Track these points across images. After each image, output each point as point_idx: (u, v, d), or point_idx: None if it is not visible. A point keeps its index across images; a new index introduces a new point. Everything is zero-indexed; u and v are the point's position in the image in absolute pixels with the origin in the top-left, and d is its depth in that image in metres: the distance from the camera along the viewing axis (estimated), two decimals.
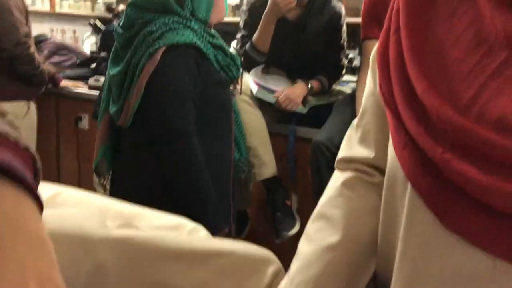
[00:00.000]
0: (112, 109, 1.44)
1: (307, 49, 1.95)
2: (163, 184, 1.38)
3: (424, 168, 0.40)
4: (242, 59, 1.81)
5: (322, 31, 1.92)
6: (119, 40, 1.41)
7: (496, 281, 0.37)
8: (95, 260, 0.42)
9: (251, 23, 1.93)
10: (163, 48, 1.30)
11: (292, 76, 2.02)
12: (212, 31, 1.43)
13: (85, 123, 2.63)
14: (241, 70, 1.56)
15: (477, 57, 0.37)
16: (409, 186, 0.41)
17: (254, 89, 1.88)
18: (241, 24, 2.03)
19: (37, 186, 0.33)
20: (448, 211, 0.39)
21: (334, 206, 0.56)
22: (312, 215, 0.59)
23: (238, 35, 2.04)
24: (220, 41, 1.44)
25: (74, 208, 0.51)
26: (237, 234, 1.74)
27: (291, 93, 1.89)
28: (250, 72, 1.96)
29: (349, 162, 0.58)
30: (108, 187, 1.58)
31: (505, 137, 0.34)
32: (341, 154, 0.60)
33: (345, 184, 0.57)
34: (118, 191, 1.49)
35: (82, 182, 2.65)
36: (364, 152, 0.55)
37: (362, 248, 0.52)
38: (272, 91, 1.91)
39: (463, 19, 0.39)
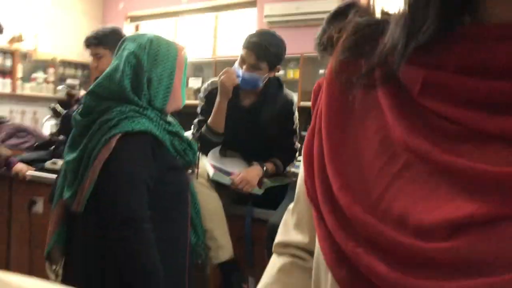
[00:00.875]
0: (67, 194, 1.44)
1: (262, 133, 2.04)
2: (114, 273, 1.35)
3: (340, 260, 0.43)
4: (199, 142, 1.88)
5: (276, 117, 2.03)
6: (77, 126, 1.44)
7: None
8: None
9: (208, 109, 2.03)
10: (118, 135, 1.33)
11: (248, 159, 2.09)
12: (169, 118, 1.49)
13: (39, 207, 2.58)
14: (197, 154, 1.61)
15: (384, 159, 0.42)
16: (329, 273, 0.45)
17: (211, 172, 1.93)
18: (199, 110, 2.12)
19: None
20: None
21: None
22: None
23: (195, 120, 2.12)
24: (177, 128, 1.50)
25: None
26: None
27: (247, 175, 1.94)
28: (208, 155, 2.01)
29: (285, 246, 0.61)
30: (60, 273, 1.54)
31: (405, 235, 0.37)
32: (278, 238, 0.63)
33: (281, 270, 0.60)
34: (70, 278, 1.46)
35: (34, 268, 2.54)
36: (298, 237, 0.59)
37: None
38: (228, 173, 1.96)
39: (373, 124, 0.44)
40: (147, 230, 1.33)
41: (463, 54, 0.38)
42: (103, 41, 2.39)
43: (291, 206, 0.62)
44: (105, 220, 1.33)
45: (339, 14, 1.63)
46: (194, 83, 5.68)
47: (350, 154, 0.45)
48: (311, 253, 0.57)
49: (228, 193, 1.98)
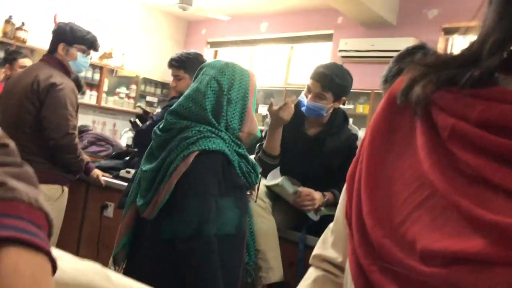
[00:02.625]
0: (140, 201, 1.56)
1: (324, 164, 2.09)
2: (176, 283, 1.44)
3: (360, 272, 0.50)
4: (260, 166, 1.97)
5: (340, 149, 2.08)
6: (156, 140, 1.57)
7: None
8: None
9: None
10: (196, 153, 1.45)
11: (307, 187, 2.15)
12: (239, 141, 1.58)
13: (110, 211, 2.77)
14: (259, 177, 1.70)
15: (411, 190, 0.49)
16: (353, 284, 0.52)
17: (279, 178, 1.99)
18: (263, 134, 2.22)
19: (48, 244, 0.43)
20: None
21: None
22: None
23: (258, 144, 2.22)
24: (245, 151, 1.59)
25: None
26: None
27: (313, 193, 2.00)
28: (268, 175, 2.09)
29: (321, 260, 0.67)
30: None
31: (412, 259, 0.44)
32: (316, 251, 0.70)
33: (315, 281, 0.66)
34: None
35: None
36: (334, 254, 0.65)
37: None
38: (293, 187, 2.02)
39: (408, 159, 0.51)
40: (213, 244, 1.42)
41: (484, 110, 0.45)
42: (185, 65, 2.58)
43: (331, 225, 0.69)
44: (175, 230, 1.43)
45: (407, 54, 1.68)
46: (264, 110, 5.86)
47: (384, 183, 0.52)
48: (342, 270, 0.64)
49: (283, 217, 2.04)
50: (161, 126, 1.59)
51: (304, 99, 2.05)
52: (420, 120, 0.51)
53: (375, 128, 0.56)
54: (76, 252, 2.93)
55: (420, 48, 1.62)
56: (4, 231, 0.40)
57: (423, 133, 0.50)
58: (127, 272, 1.62)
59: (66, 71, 2.54)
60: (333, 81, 1.99)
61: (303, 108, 2.05)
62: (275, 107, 1.97)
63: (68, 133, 2.41)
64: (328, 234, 0.69)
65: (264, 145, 2.09)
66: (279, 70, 6.35)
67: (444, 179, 0.45)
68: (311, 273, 0.69)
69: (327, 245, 0.68)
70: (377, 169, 0.53)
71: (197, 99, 1.53)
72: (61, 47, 2.52)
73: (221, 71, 1.57)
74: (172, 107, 1.58)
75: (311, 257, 0.71)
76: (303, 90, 2.13)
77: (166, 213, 1.48)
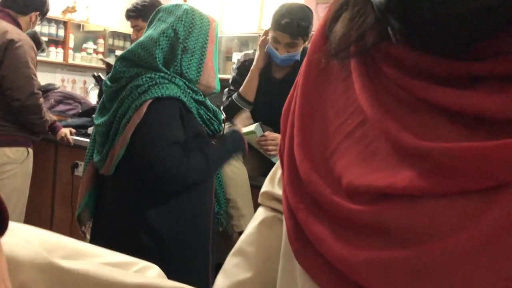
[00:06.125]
0: (96, 157, 1.50)
1: None
2: (145, 233, 1.42)
3: (289, 213, 0.46)
4: (225, 112, 1.93)
5: None
6: (107, 91, 1.49)
7: None
8: (20, 280, 0.47)
9: (239, 80, 2.05)
10: (149, 101, 1.37)
11: (278, 133, 2.11)
12: (195, 88, 1.51)
13: (81, 170, 2.70)
14: (223, 124, 1.64)
15: (343, 117, 0.43)
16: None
17: (252, 126, 1.97)
18: (230, 81, 2.16)
19: None
20: (301, 251, 0.44)
21: (251, 243, 0.62)
22: (232, 249, 0.64)
23: (226, 90, 2.16)
24: (203, 98, 1.52)
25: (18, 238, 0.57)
26: None
27: (278, 137, 1.97)
28: (237, 118, 2.04)
29: (269, 198, 0.63)
30: (88, 235, 1.62)
31: (338, 195, 0.39)
32: (264, 188, 0.65)
33: (263, 222, 0.62)
34: (98, 239, 1.54)
35: (74, 229, 2.69)
36: (281, 192, 0.60)
37: (272, 285, 0.57)
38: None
39: (341, 86, 0.46)
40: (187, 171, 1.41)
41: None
42: (142, 13, 2.45)
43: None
44: (141, 182, 1.40)
45: None
46: (237, 57, 5.71)
47: (318, 111, 0.47)
48: None
49: (255, 164, 2.01)
50: (110, 75, 1.50)
51: (274, 51, 1.98)
52: (354, 55, 0.46)
53: (311, 58, 0.51)
54: (51, 213, 2.89)
55: None
56: None
57: (357, 64, 0.44)
58: (94, 232, 1.59)
59: (20, 26, 2.40)
60: (300, 26, 1.93)
61: (276, 60, 2.00)
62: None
63: (33, 92, 2.31)
64: (276, 169, 0.64)
65: (241, 89, 2.05)
66: (253, 15, 6.16)
67: (374, 104, 0.39)
68: (259, 213, 0.65)
69: (274, 182, 0.63)
70: (311, 98, 0.48)
71: (148, 46, 1.44)
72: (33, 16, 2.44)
73: (178, 18, 1.46)
74: (122, 53, 1.49)
75: (259, 195, 0.66)
76: None
77: (126, 166, 1.42)
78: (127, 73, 1.44)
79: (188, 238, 1.47)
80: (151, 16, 1.56)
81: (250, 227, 0.64)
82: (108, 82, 1.49)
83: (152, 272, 0.70)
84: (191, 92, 1.47)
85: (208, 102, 1.55)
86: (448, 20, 0.33)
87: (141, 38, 1.48)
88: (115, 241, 1.45)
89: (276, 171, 0.64)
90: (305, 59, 0.52)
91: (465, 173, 0.33)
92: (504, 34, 0.34)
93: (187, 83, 1.47)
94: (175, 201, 1.45)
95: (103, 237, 1.51)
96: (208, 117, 1.53)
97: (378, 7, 0.37)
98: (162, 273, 0.73)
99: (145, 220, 1.42)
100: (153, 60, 1.42)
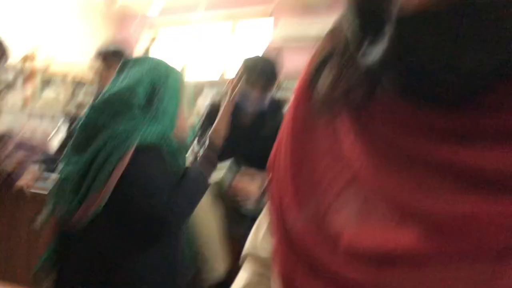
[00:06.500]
0: (62, 210, 1.40)
1: (263, 147, 2.02)
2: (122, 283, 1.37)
3: (282, 279, 0.42)
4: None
5: (276, 134, 2.03)
6: (76, 140, 1.43)
7: None
8: None
9: (206, 124, 2.08)
10: (132, 149, 1.33)
11: (254, 168, 2.09)
12: (170, 137, 1.47)
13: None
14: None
15: (333, 173, 0.41)
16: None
17: (221, 172, 1.94)
18: (198, 126, 2.17)
19: None
20: None
21: None
22: None
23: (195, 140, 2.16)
24: (176, 147, 1.48)
25: None
26: None
27: (247, 187, 1.95)
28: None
29: (252, 261, 0.58)
30: None
31: (335, 259, 0.37)
32: (246, 249, 0.59)
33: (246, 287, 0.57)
34: None
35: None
36: (264, 254, 0.56)
37: None
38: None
39: (329, 139, 0.43)
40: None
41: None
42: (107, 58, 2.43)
43: (264, 210, 0.59)
44: (122, 229, 1.35)
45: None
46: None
47: (308, 166, 0.44)
48: None
49: (227, 211, 1.96)
50: (81, 123, 1.44)
51: (243, 104, 2.05)
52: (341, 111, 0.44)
53: (295, 114, 0.49)
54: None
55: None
56: None
57: (344, 118, 0.42)
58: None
59: None
60: (268, 82, 2.02)
61: (246, 112, 2.06)
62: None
63: None
64: (260, 222, 0.59)
65: (211, 130, 2.01)
66: (214, 62, 6.25)
67: (366, 161, 0.37)
68: (242, 277, 0.59)
69: (258, 238, 0.58)
70: (300, 151, 0.45)
71: (124, 95, 1.41)
72: None
73: (152, 69, 1.48)
74: (95, 102, 1.44)
75: (242, 254, 0.60)
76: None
77: (103, 219, 1.35)
78: (100, 121, 1.38)
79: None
80: (120, 66, 1.55)
81: None
82: (79, 129, 1.43)
83: None
84: (167, 141, 1.44)
85: (183, 153, 1.54)
86: (453, 73, 0.31)
87: (115, 87, 1.45)
88: None
89: (259, 227, 0.59)
90: (288, 113, 0.50)
91: (471, 238, 0.31)
92: (504, 88, 0.32)
93: (162, 131, 1.44)
94: (153, 253, 1.41)
95: None
96: (183, 167, 1.52)
97: (369, 67, 0.35)
98: None
99: (124, 275, 1.36)
100: (129, 108, 1.40)
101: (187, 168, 1.56)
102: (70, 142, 1.46)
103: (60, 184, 1.46)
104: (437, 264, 0.31)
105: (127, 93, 1.41)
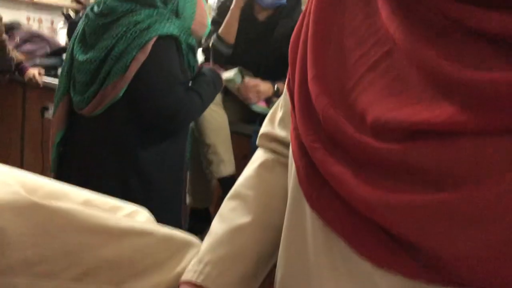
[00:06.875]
0: (77, 97, 1.41)
1: (276, 50, 1.97)
2: (134, 175, 1.41)
3: (301, 152, 0.41)
4: (206, 52, 1.86)
5: (292, 33, 1.95)
6: (90, 25, 1.39)
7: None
8: None
9: (219, 20, 1.96)
10: (154, 40, 1.32)
11: (259, 78, 2.04)
12: (189, 31, 1.46)
13: (51, 113, 2.60)
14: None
15: (366, 47, 0.38)
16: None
17: (231, 72, 1.91)
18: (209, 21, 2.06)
19: None
20: (313, 194, 0.40)
21: (250, 186, 0.57)
22: (228, 194, 0.60)
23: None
24: (194, 42, 1.48)
25: None
26: (199, 232, 1.74)
27: (259, 85, 1.91)
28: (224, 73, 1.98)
29: (270, 140, 0.58)
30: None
31: (362, 132, 0.35)
32: (263, 129, 0.60)
33: (263, 165, 0.58)
34: (70, 179, 1.47)
35: (46, 171, 2.61)
36: (283, 133, 0.56)
37: (272, 230, 0.54)
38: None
39: (363, 11, 0.40)
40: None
41: None
42: None
43: (281, 98, 0.58)
44: (134, 123, 1.39)
45: None
46: None
47: (334, 41, 0.41)
48: None
49: (235, 109, 1.96)
50: (95, 9, 1.40)
51: None
52: None
53: None
54: (21, 159, 2.79)
55: None
56: None
57: None
58: (64, 172, 1.52)
59: None
60: None
61: (260, 2, 1.92)
62: None
63: None
64: (277, 109, 0.59)
65: (220, 30, 1.95)
66: None
67: (407, 31, 0.34)
68: (259, 156, 0.60)
69: (275, 122, 0.58)
70: (326, 25, 0.42)
71: None
72: None
73: None
74: None
75: (258, 136, 0.61)
76: None
77: (119, 109, 1.37)
78: (120, 8, 1.35)
79: (169, 181, 1.48)
80: None
81: (249, 170, 0.59)
82: (92, 15, 1.39)
83: (141, 217, 0.67)
84: (185, 35, 1.43)
85: (197, 50, 1.53)
86: None
87: None
88: (92, 182, 1.39)
89: (276, 112, 0.59)
90: None
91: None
92: None
93: (182, 24, 1.42)
94: (165, 145, 1.44)
95: (76, 177, 1.44)
96: (193, 65, 1.50)
97: None
98: (152, 218, 0.70)
99: (136, 162, 1.40)
100: None
101: (201, 66, 1.56)
102: (84, 27, 1.42)
103: (67, 71, 1.46)
104: (475, 135, 0.30)
105: None
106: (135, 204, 0.67)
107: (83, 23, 1.43)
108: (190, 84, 1.49)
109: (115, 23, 1.34)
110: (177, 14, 1.40)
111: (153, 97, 1.34)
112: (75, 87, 1.43)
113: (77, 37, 1.44)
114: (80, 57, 1.40)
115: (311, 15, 0.44)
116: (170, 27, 1.35)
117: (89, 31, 1.40)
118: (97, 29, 1.37)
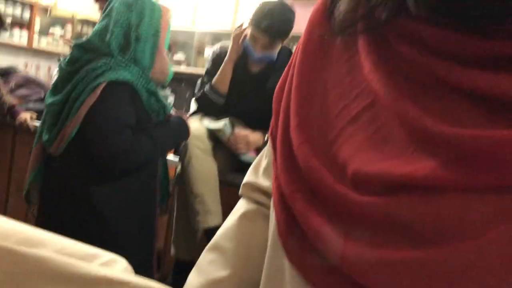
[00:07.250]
0: (45, 137, 1.52)
1: (267, 102, 1.98)
2: (89, 213, 1.47)
3: (282, 203, 0.40)
4: (198, 103, 1.89)
5: None
6: (61, 73, 1.54)
7: None
8: None
9: (213, 71, 2.00)
10: (104, 84, 1.43)
11: (251, 127, 2.06)
12: (148, 76, 1.55)
13: None
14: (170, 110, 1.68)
15: (348, 99, 0.38)
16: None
17: (220, 123, 1.93)
18: (204, 72, 2.10)
19: None
20: (293, 248, 0.39)
21: (230, 238, 0.56)
22: (208, 245, 0.58)
23: (199, 81, 2.11)
24: (154, 87, 1.56)
25: None
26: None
27: (249, 136, 1.92)
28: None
29: (253, 189, 0.57)
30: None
31: (343, 184, 0.35)
32: (246, 178, 0.59)
33: (244, 216, 0.56)
34: (44, 220, 1.58)
35: (29, 216, 2.56)
36: (266, 183, 0.55)
37: (250, 285, 0.51)
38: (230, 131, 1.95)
39: (346, 64, 0.41)
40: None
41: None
42: None
43: (265, 148, 0.58)
44: (89, 162, 1.46)
45: None
46: (210, 51, 5.63)
47: (318, 93, 0.42)
48: None
49: (225, 160, 1.95)
50: (66, 59, 1.55)
51: (251, 48, 1.94)
52: (362, 32, 0.41)
53: (309, 35, 0.45)
54: (5, 201, 2.74)
55: None
56: None
57: (365, 41, 0.39)
58: (40, 210, 1.62)
59: None
60: (280, 30, 1.92)
61: (251, 58, 1.97)
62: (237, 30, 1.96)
63: None
64: (261, 158, 0.58)
65: (213, 80, 2.00)
66: (227, 11, 6.09)
67: (388, 84, 0.34)
68: (241, 206, 0.59)
69: (258, 172, 0.57)
70: (311, 77, 0.43)
71: (102, 34, 1.50)
72: None
73: (129, 7, 1.52)
74: (79, 41, 1.54)
75: (241, 186, 0.60)
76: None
77: (75, 147, 1.47)
78: (83, 58, 1.49)
79: (132, 222, 1.52)
80: (105, 5, 1.60)
81: (229, 221, 0.58)
82: (64, 65, 1.54)
83: (118, 266, 0.65)
84: (143, 81, 1.52)
85: (160, 94, 1.58)
86: None
87: (96, 27, 1.55)
88: (60, 224, 1.49)
89: (260, 161, 0.59)
90: (301, 37, 0.47)
91: (496, 165, 0.28)
92: None
93: (141, 71, 1.52)
94: (121, 183, 1.50)
95: (49, 219, 1.56)
96: (157, 108, 1.57)
97: None
98: (130, 267, 0.67)
99: (89, 200, 1.46)
100: (107, 48, 1.49)
101: (170, 114, 1.64)
102: (57, 75, 1.57)
103: (45, 115, 1.58)
104: (458, 193, 0.29)
105: (104, 32, 1.50)
106: (112, 253, 0.65)
107: (57, 72, 1.57)
108: (147, 128, 1.55)
109: (79, 70, 1.49)
110: (135, 61, 1.51)
111: (99, 137, 1.44)
112: (45, 129, 1.56)
113: (52, 85, 1.58)
114: (48, 100, 1.55)
115: (296, 67, 0.45)
116: (123, 73, 1.45)
117: (59, 78, 1.56)
118: (65, 76, 1.53)
